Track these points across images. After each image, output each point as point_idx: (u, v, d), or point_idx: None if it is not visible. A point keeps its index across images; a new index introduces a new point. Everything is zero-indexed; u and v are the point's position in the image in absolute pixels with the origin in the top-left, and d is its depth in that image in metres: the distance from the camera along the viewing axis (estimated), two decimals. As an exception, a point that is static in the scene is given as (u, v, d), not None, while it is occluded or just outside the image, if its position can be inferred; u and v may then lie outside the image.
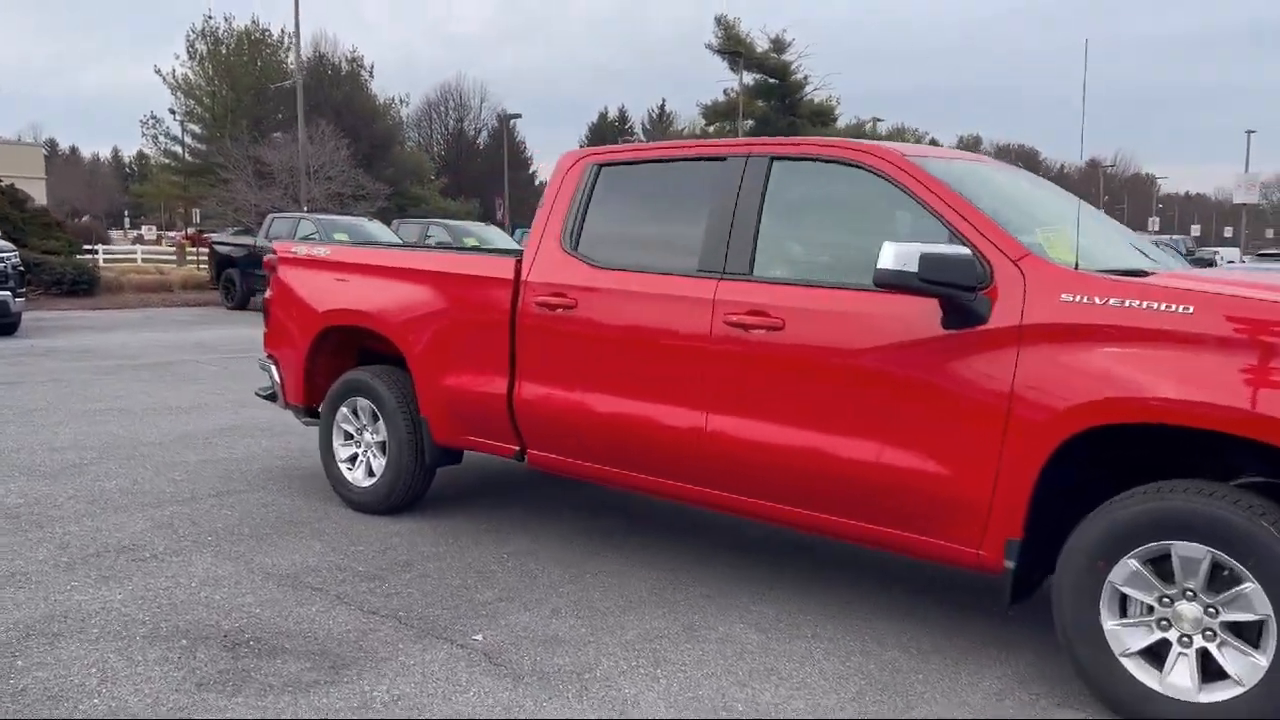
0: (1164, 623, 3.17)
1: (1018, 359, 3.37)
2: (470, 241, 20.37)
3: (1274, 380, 2.95)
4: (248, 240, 20.46)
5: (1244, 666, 3.03)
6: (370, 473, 5.52)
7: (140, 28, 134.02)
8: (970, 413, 3.45)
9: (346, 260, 5.66)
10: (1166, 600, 3.16)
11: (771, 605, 4.26)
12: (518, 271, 4.79)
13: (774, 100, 49.61)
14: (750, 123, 44.78)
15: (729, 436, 4.04)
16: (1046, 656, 3.76)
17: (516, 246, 11.41)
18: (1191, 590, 3.11)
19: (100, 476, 6.18)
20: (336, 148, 28.41)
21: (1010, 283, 3.44)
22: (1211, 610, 3.09)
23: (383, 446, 5.47)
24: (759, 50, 48.21)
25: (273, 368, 6.00)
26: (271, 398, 6.13)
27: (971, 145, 75.21)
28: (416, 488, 5.40)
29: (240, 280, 19.97)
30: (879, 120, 56.66)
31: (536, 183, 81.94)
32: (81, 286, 20.29)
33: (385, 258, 5.52)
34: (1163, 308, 3.18)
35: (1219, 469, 3.39)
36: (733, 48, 46.21)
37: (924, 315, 3.56)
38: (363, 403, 5.51)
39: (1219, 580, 3.07)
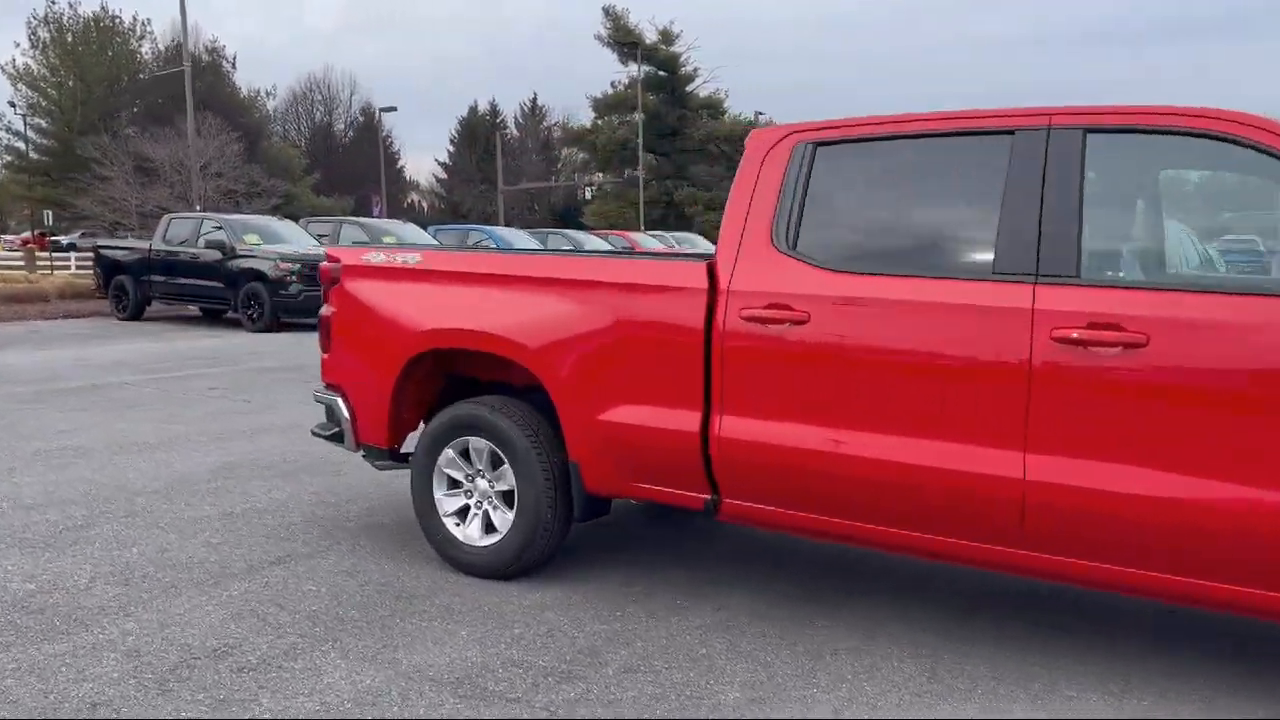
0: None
1: None
2: (389, 240, 18.96)
3: None
4: (141, 244, 18.54)
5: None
6: (489, 528, 4.49)
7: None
8: None
9: (453, 269, 4.58)
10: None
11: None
12: (713, 279, 3.86)
13: (663, 93, 49.01)
14: (642, 116, 44.00)
15: (1065, 486, 3.21)
16: None
17: (534, 246, 9.94)
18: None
19: (112, 544, 4.93)
20: (226, 141, 26.17)
21: None
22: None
23: (507, 496, 4.44)
24: (648, 42, 47.47)
25: (339, 401, 4.87)
26: (336, 438, 4.99)
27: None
28: (554, 545, 4.39)
29: (133, 288, 18.03)
30: (760, 114, 56.66)
31: (407, 177, 79.39)
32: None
33: (513, 265, 4.47)
34: None
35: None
36: (624, 39, 45.33)
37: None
38: (478, 443, 4.46)
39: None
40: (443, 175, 74.93)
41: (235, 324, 17.00)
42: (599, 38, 47.97)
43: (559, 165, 71.41)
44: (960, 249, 3.52)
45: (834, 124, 3.85)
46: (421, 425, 4.79)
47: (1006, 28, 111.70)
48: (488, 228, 27.05)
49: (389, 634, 3.87)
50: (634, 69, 45.21)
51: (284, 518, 5.44)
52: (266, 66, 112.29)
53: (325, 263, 4.96)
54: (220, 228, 17.07)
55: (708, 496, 3.99)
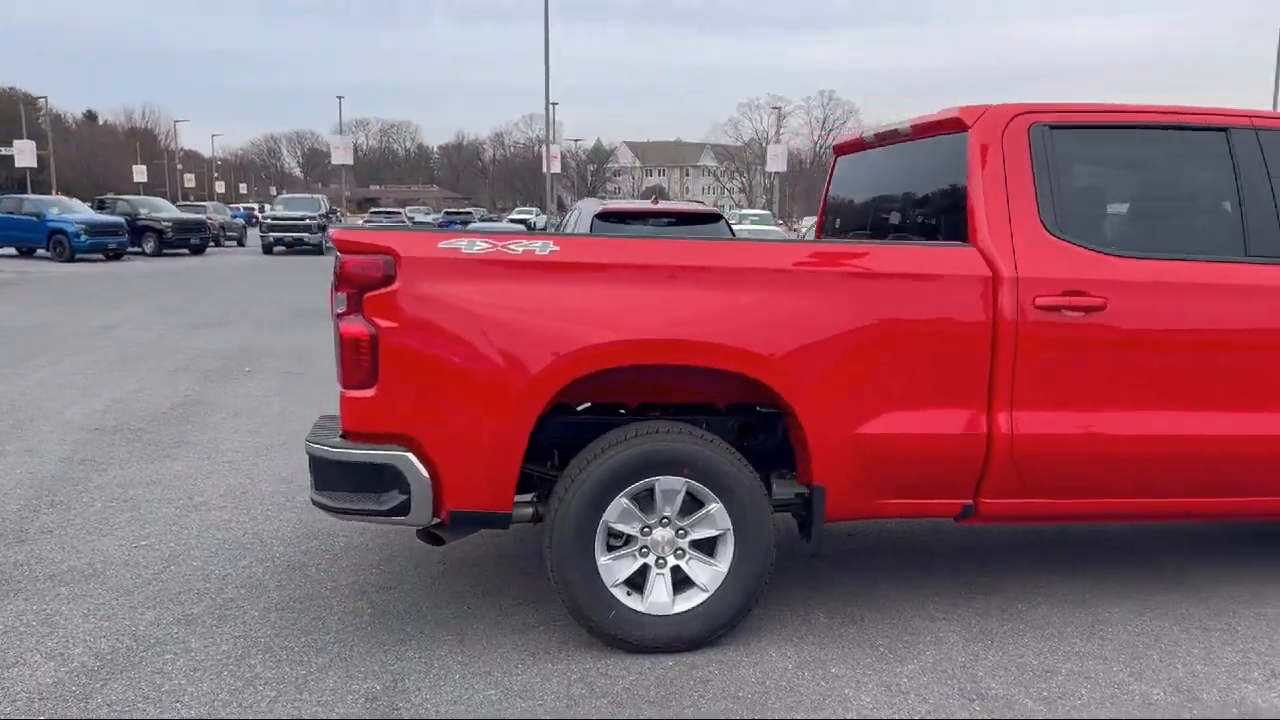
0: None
1: None
2: None
3: None
4: None
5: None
6: (675, 590, 3.53)
7: None
8: None
9: (622, 261, 3.41)
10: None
11: None
12: (992, 266, 3.55)
13: None
14: None
15: None
16: None
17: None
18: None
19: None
20: None
21: None
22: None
23: (705, 546, 3.54)
24: None
25: (410, 459, 3.32)
26: (398, 511, 3.38)
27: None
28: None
29: None
30: None
31: None
32: None
33: (720, 255, 3.49)
34: None
35: None
36: None
37: None
38: (669, 483, 3.45)
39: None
40: None
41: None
42: None
43: None
44: (1226, 233, 3.79)
45: (1057, 107, 3.79)
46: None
47: None
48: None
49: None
50: None
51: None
52: None
53: (355, 256, 3.32)
54: None
55: (966, 502, 3.69)
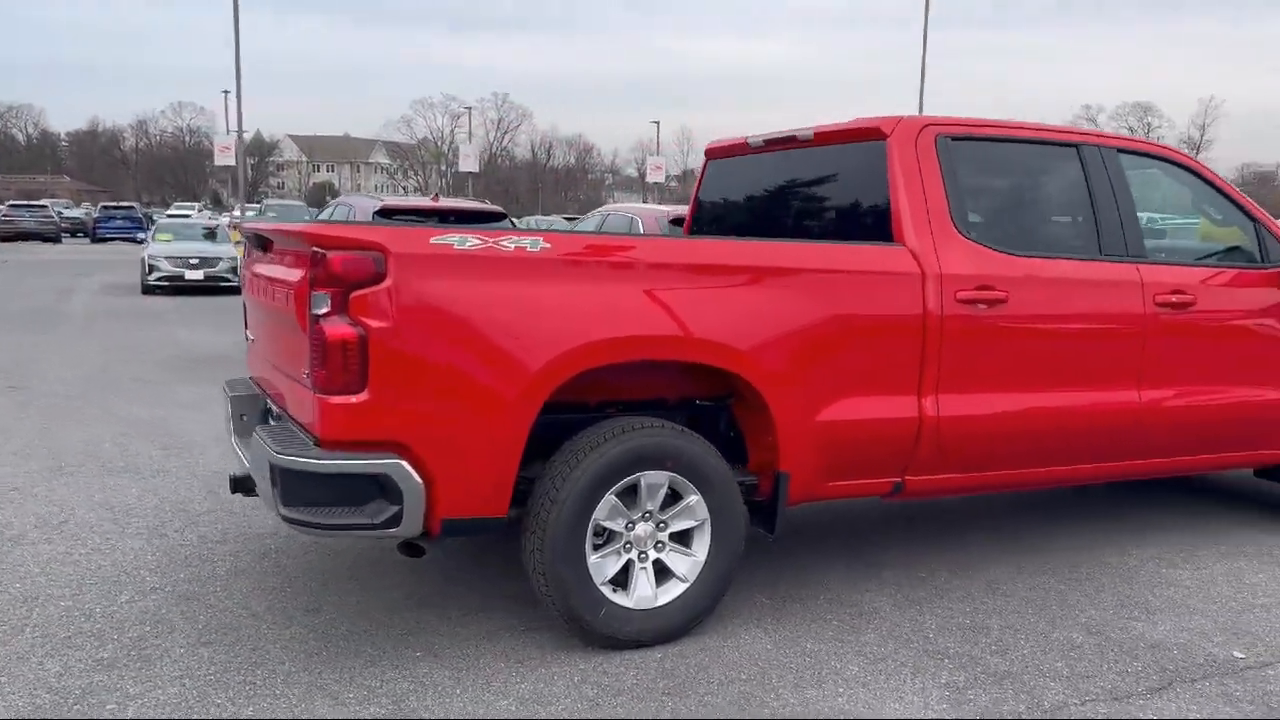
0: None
1: None
2: None
3: None
4: None
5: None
6: (655, 583, 3.58)
7: None
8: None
9: (608, 259, 3.39)
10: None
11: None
12: (920, 264, 3.90)
13: None
14: None
15: (1165, 406, 4.41)
16: None
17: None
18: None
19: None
20: None
21: None
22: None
23: (682, 537, 3.61)
24: None
25: (404, 467, 3.14)
26: (390, 523, 3.16)
27: None
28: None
29: None
30: None
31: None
32: None
33: (705, 252, 3.55)
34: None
35: None
36: None
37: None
38: (654, 478, 3.49)
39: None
40: None
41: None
42: None
43: None
44: (1078, 237, 4.36)
45: (957, 121, 4.21)
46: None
47: None
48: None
49: None
50: None
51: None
52: None
53: (341, 252, 3.09)
54: None
55: (897, 479, 4.03)
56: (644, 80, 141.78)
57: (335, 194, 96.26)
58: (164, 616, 3.76)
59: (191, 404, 7.79)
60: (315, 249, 3.12)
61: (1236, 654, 3.63)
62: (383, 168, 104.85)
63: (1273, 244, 4.72)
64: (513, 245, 3.28)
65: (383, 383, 3.11)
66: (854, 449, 3.84)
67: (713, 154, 5.24)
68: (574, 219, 22.75)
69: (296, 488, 3.17)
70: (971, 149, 4.20)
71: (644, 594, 3.55)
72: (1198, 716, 3.17)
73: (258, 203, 45.32)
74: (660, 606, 3.57)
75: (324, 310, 3.10)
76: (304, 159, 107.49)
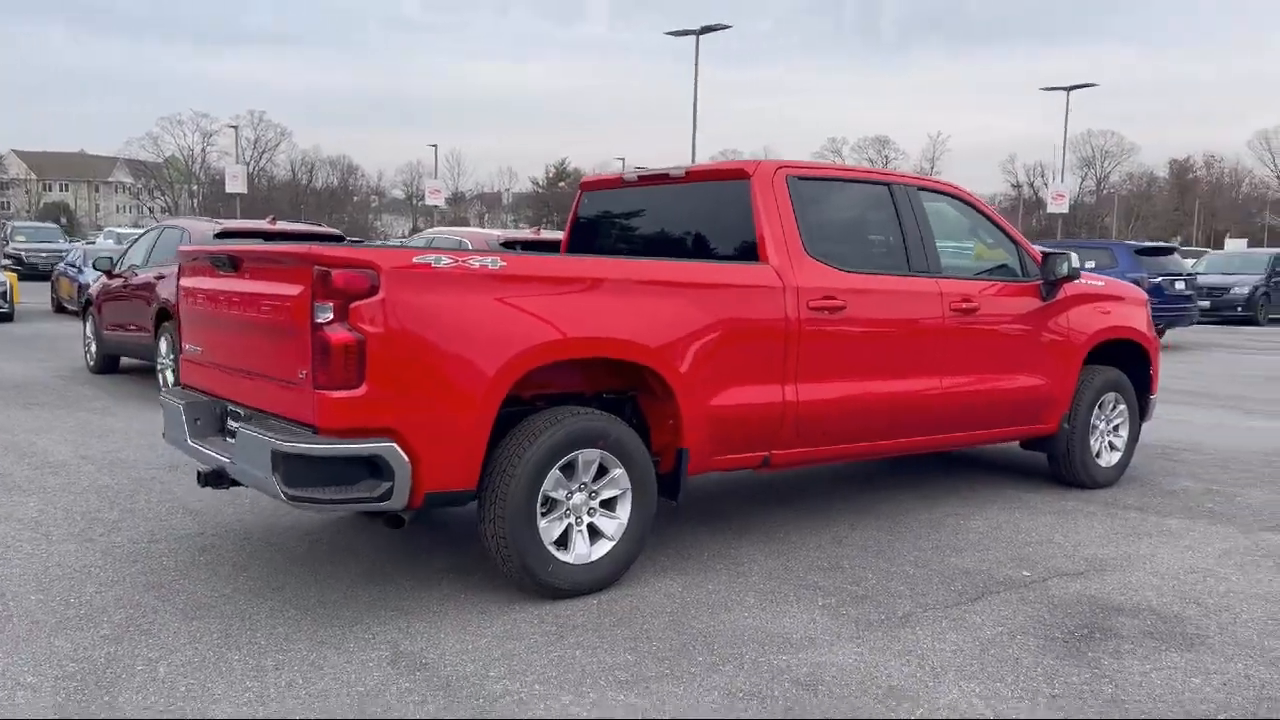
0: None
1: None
2: None
3: None
4: None
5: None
6: (589, 542, 4.33)
7: None
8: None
9: (549, 274, 4.11)
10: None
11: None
12: (782, 279, 4.85)
13: None
14: None
15: (960, 391, 5.58)
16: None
17: None
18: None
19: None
20: None
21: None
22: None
23: (608, 504, 4.38)
24: None
25: (395, 449, 3.74)
26: (384, 497, 3.74)
27: None
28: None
29: None
30: None
31: None
32: None
33: (618, 269, 4.30)
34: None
35: None
36: None
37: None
38: (589, 455, 4.24)
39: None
40: None
41: None
42: None
43: None
44: (892, 256, 5.45)
45: (801, 165, 5.23)
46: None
47: None
48: None
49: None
50: None
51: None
52: None
53: (344, 270, 3.68)
54: None
55: (765, 454, 4.95)
56: (409, 102, 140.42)
57: (70, 215, 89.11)
58: (140, 601, 4.14)
59: (37, 429, 7.77)
60: (318, 267, 3.69)
61: (1024, 573, 4.78)
62: (125, 187, 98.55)
63: (1029, 263, 6.03)
64: (478, 264, 3.97)
65: (377, 378, 3.72)
66: (737, 428, 4.74)
67: (588, 186, 6.05)
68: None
69: (300, 470, 3.71)
70: (813, 187, 5.22)
71: (581, 552, 4.29)
72: (1005, 613, 4.25)
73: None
74: (594, 561, 4.31)
75: (327, 319, 3.67)
76: (33, 176, 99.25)
